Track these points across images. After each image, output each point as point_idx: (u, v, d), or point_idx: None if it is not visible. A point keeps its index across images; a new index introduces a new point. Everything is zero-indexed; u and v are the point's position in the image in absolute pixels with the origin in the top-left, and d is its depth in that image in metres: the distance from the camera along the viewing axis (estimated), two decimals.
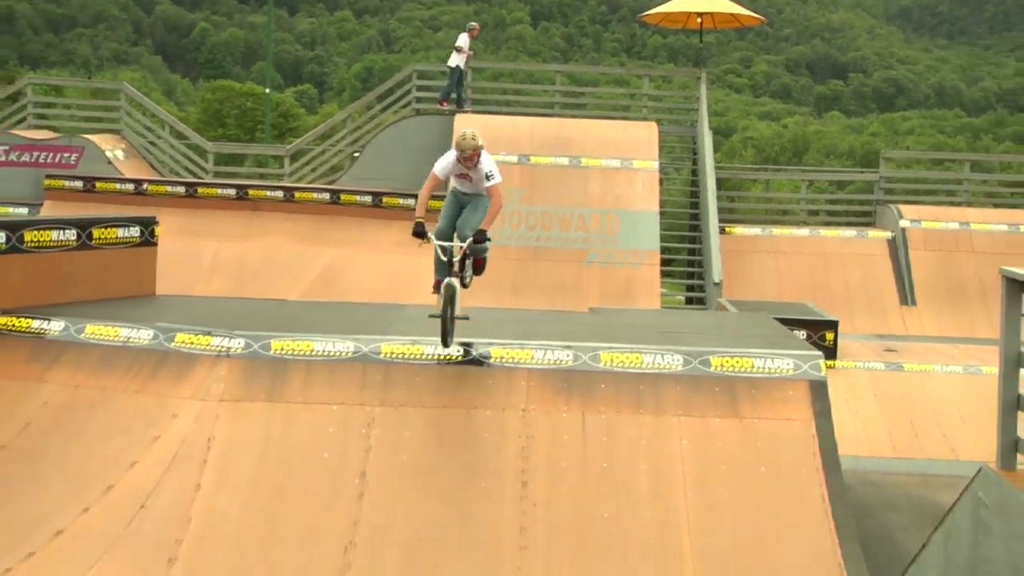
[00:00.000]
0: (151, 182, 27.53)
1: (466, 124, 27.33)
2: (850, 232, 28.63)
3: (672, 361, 12.98)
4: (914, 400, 18.14)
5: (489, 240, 12.57)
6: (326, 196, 26.97)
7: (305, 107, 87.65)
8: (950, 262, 27.05)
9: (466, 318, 12.52)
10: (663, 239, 26.34)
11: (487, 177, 12.42)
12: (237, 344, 12.97)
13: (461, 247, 12.36)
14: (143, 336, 13.40)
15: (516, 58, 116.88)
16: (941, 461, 15.62)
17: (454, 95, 29.12)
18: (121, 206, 24.80)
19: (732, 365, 12.93)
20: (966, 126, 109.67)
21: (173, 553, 10.89)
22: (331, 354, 12.92)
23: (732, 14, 31.53)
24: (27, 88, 32.55)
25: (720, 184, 28.87)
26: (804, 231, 28.77)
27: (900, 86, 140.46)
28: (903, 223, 27.87)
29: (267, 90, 54.34)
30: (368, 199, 26.71)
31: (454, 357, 12.87)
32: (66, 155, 28.67)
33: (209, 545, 11.05)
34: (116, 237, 16.05)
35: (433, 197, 12.83)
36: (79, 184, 26.96)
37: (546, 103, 31.78)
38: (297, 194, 27.08)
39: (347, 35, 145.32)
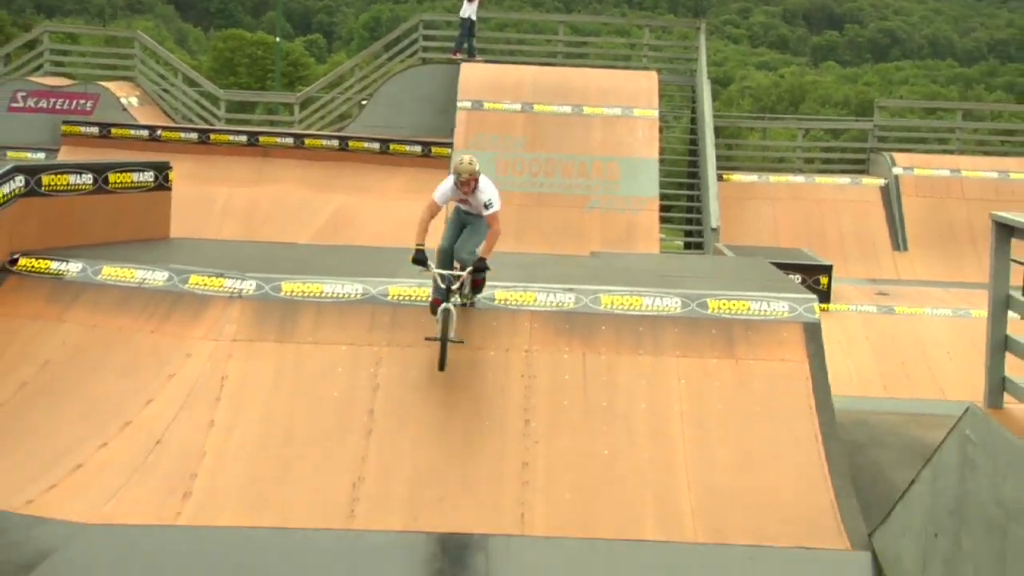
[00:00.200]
0: (165, 128, 27.46)
1: (472, 73, 27.31)
2: (844, 179, 28.58)
3: (670, 304, 12.99)
4: (905, 342, 18.17)
5: (488, 269, 12.27)
6: (335, 143, 26.91)
7: (314, 56, 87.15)
8: (941, 208, 27.04)
9: (461, 341, 12.04)
10: (662, 186, 26.30)
11: (486, 206, 12.10)
12: (249, 286, 12.98)
13: (460, 276, 12.06)
14: (158, 278, 13.41)
15: (520, 8, 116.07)
16: (930, 401, 15.65)
17: (466, 45, 28.97)
18: (136, 152, 24.76)
19: (729, 308, 12.95)
20: (959, 76, 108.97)
21: (188, 487, 10.96)
22: (340, 296, 12.94)
23: None
24: (43, 36, 32.37)
25: (718, 132, 28.77)
26: (800, 178, 28.72)
27: (895, 36, 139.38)
28: (896, 170, 27.82)
29: (277, 39, 54.11)
30: (376, 146, 26.65)
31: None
32: (82, 102, 28.57)
33: (223, 479, 11.11)
34: (131, 181, 16.02)
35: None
36: (95, 130, 26.92)
37: (549, 52, 31.62)
38: (307, 141, 27.01)
39: None
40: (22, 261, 14.06)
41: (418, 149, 26.42)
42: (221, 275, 13.18)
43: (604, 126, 26.36)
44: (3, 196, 14.11)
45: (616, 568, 10.10)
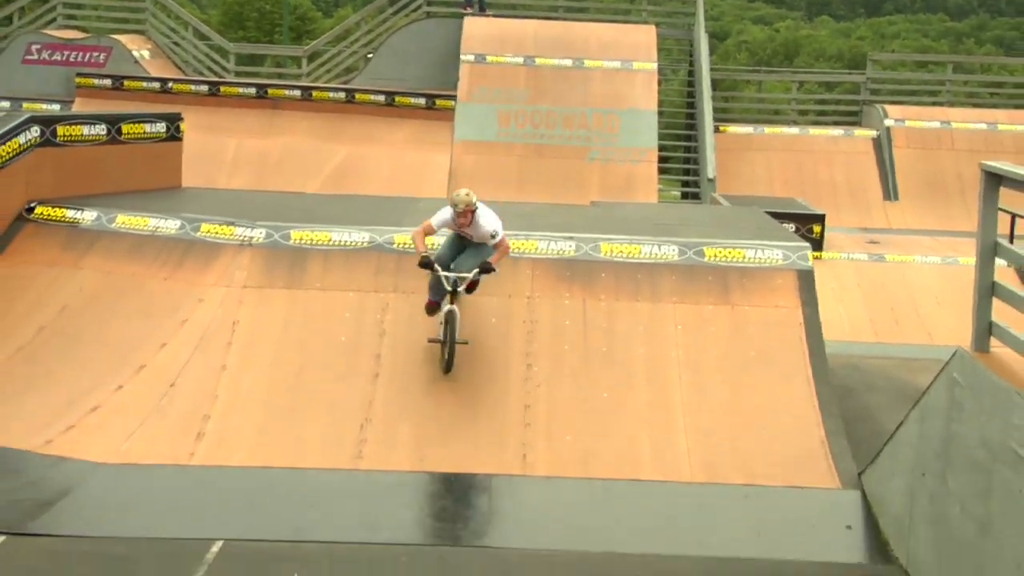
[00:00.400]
0: (176, 81, 27.33)
1: (475, 27, 27.17)
2: (837, 131, 28.47)
3: (668, 251, 12.98)
4: (895, 288, 18.17)
5: (494, 271, 11.68)
6: (341, 95, 26.80)
7: (321, 10, 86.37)
8: (931, 159, 26.96)
9: (466, 342, 11.51)
10: (661, 137, 26.24)
11: (492, 236, 11.51)
12: (259, 234, 12.97)
13: (467, 278, 11.50)
14: (170, 226, 13.40)
15: None
16: (919, 345, 15.66)
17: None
18: (147, 103, 24.64)
19: (725, 255, 12.94)
20: (949, 30, 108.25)
21: (201, 428, 11.00)
22: (347, 244, 12.93)
23: None
24: None
25: (715, 85, 28.64)
26: (794, 130, 28.61)
27: None
28: (888, 122, 27.71)
29: None
30: (381, 98, 26.54)
31: None
32: (95, 54, 28.41)
33: (235, 421, 11.15)
34: (144, 132, 15.98)
35: None
36: (108, 82, 26.80)
37: (550, 7, 31.37)
38: (314, 93, 26.91)
39: None
40: (39, 209, 14.05)
41: (422, 101, 26.29)
42: (232, 223, 13.17)
43: (604, 79, 26.24)
44: (19, 146, 14.09)
45: (614, 506, 10.16)
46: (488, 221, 11.55)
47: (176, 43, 30.77)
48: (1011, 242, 8.59)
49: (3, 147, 13.87)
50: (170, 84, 26.87)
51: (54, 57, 28.28)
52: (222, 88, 26.90)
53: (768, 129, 28.52)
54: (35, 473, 10.28)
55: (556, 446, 11.04)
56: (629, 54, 26.74)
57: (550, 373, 11.79)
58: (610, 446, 11.05)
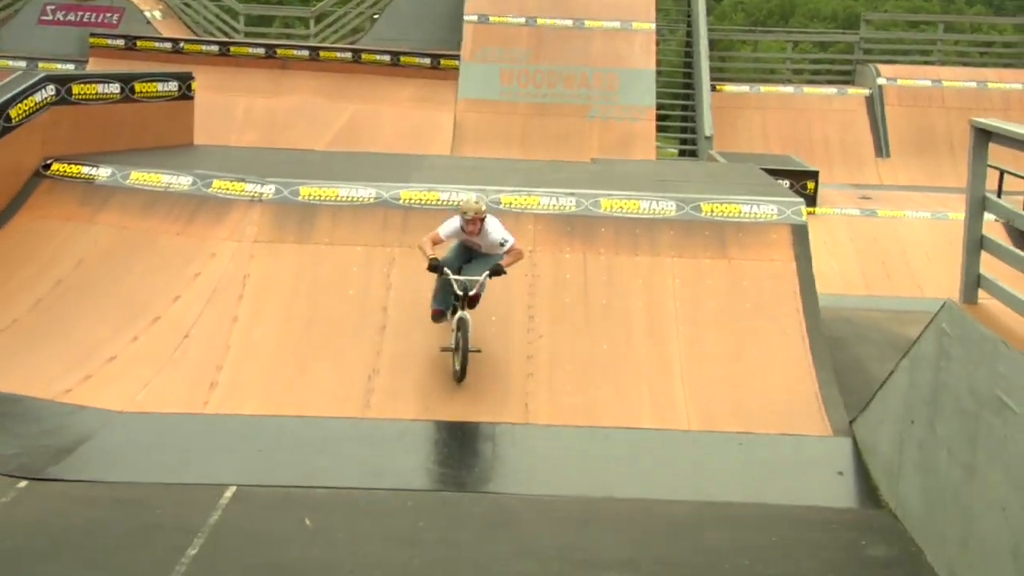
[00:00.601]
0: (187, 41, 27.17)
1: None
2: (831, 89, 28.34)
3: (666, 207, 12.96)
4: (886, 243, 18.14)
5: (505, 273, 11.14)
6: (348, 56, 26.66)
7: None
8: (922, 117, 26.86)
9: (478, 351, 10.97)
10: (659, 96, 26.11)
11: (501, 244, 11.08)
12: (269, 190, 12.95)
13: (478, 281, 10.96)
14: (183, 182, 13.38)
15: None
16: (909, 298, 15.65)
17: None
18: (159, 63, 24.52)
19: (721, 211, 12.92)
20: None
21: (214, 378, 11.03)
22: (355, 200, 12.91)
23: None
24: None
25: (712, 45, 28.48)
26: (789, 89, 28.46)
27: None
28: (880, 81, 27.57)
29: None
30: (387, 58, 26.41)
31: None
32: (108, 15, 28.22)
33: (246, 371, 11.18)
34: (156, 91, 15.93)
35: None
36: (121, 42, 26.65)
37: None
38: (322, 54, 26.77)
39: None
40: (55, 166, 14.03)
41: (427, 61, 26.17)
42: (242, 180, 13.15)
43: (604, 39, 26.08)
44: (36, 104, 14.06)
45: (614, 454, 10.19)
46: (497, 230, 11.13)
47: (187, 4, 30.55)
48: (999, 197, 8.57)
49: (20, 105, 13.84)
50: (181, 44, 26.72)
51: (68, 18, 28.10)
52: (232, 48, 26.78)
53: (764, 88, 28.38)
54: (54, 421, 10.33)
55: (557, 396, 11.06)
56: (628, 14, 26.55)
57: (551, 325, 11.80)
58: (610, 396, 11.07)
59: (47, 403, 10.65)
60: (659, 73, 26.99)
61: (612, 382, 11.23)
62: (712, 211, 12.90)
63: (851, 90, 28.14)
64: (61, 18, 28.09)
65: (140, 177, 13.61)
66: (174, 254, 12.54)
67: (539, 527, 8.71)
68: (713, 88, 26.81)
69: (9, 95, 13.77)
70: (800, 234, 12.72)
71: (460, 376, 10.90)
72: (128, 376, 11.03)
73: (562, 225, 12.77)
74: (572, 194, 13.07)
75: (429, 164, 16.09)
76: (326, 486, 9.28)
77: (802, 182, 19.02)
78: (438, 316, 11.32)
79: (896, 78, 27.76)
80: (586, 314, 11.96)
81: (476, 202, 11.01)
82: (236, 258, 12.32)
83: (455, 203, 12.78)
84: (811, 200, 18.56)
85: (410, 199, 12.86)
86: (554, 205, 12.94)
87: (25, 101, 13.92)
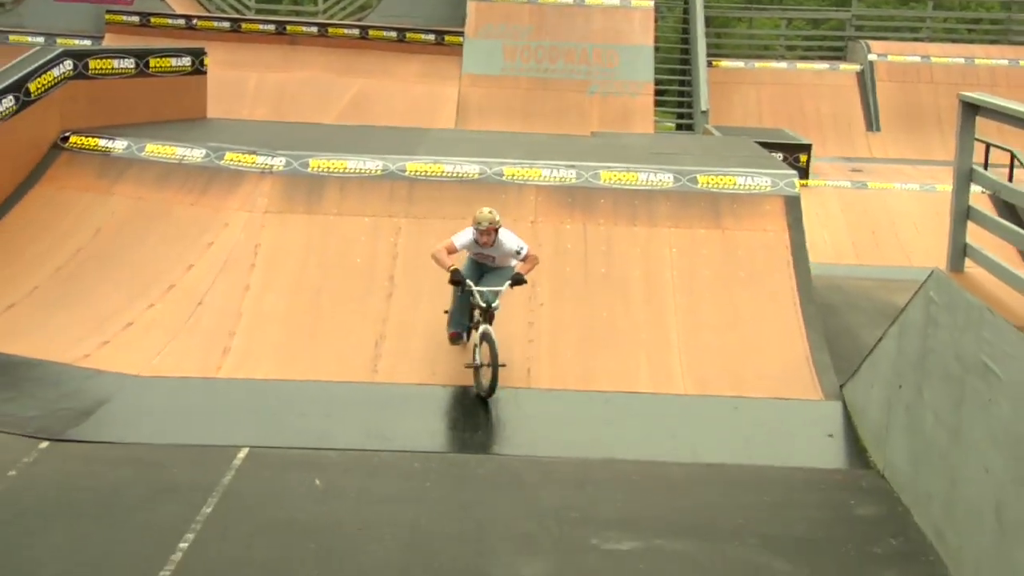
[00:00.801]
0: (200, 18, 27.05)
1: None
2: (823, 65, 28.21)
3: (664, 179, 12.94)
4: (876, 214, 18.11)
5: (525, 282, 10.69)
6: (356, 32, 26.55)
7: None
8: (912, 92, 26.75)
9: (503, 365, 10.17)
10: (657, 71, 26.02)
11: (517, 253, 10.59)
12: (279, 162, 12.92)
13: (500, 291, 10.45)
14: (196, 155, 13.36)
15: None
16: (898, 267, 15.65)
17: None
18: (173, 39, 24.42)
19: (716, 182, 12.89)
20: None
21: (227, 343, 11.05)
22: (362, 171, 12.88)
23: None
24: None
25: (708, 22, 28.35)
26: (783, 64, 28.34)
27: None
28: (871, 57, 27.45)
29: None
30: (393, 35, 26.29)
31: (471, 175, 12.83)
32: None
33: (258, 337, 11.19)
34: (170, 66, 15.89)
35: None
36: (136, 19, 26.55)
37: None
38: (330, 30, 26.67)
39: None
40: (73, 139, 14.01)
41: (432, 38, 26.06)
42: (254, 152, 13.12)
43: (604, 16, 25.96)
44: (54, 78, 14.03)
45: (612, 417, 10.22)
46: (511, 239, 10.63)
47: None
48: (985, 169, 8.55)
49: (39, 79, 13.81)
50: (194, 21, 26.62)
51: None
52: (243, 25, 26.68)
53: (758, 64, 28.25)
54: (74, 385, 10.35)
55: (558, 361, 11.08)
56: None
57: (552, 293, 11.80)
58: (608, 361, 11.08)
59: (67, 367, 10.67)
60: (657, 49, 26.88)
61: (611, 348, 11.24)
62: (708, 183, 12.88)
63: (843, 66, 28.01)
64: None
65: (155, 149, 13.59)
66: (188, 224, 12.53)
67: (540, 487, 8.74)
68: (709, 64, 26.69)
69: (28, 70, 13.75)
70: (793, 205, 12.70)
71: (489, 392, 10.19)
72: (144, 342, 11.05)
73: (563, 196, 12.75)
74: (572, 166, 13.04)
75: (434, 137, 16.05)
76: (335, 448, 9.31)
77: (795, 155, 18.99)
78: (456, 338, 10.88)
79: (886, 54, 27.64)
80: (586, 283, 11.96)
81: (490, 212, 10.48)
82: (248, 228, 12.31)
83: (459, 175, 12.78)
84: (803, 172, 18.53)
85: (416, 171, 12.84)
86: (555, 177, 12.92)
87: (44, 76, 13.89)
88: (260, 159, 13.00)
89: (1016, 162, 15.37)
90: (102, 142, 13.87)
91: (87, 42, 25.35)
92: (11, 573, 7.01)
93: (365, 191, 12.70)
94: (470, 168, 12.87)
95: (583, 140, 17.12)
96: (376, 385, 10.63)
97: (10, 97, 13.44)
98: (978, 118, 8.33)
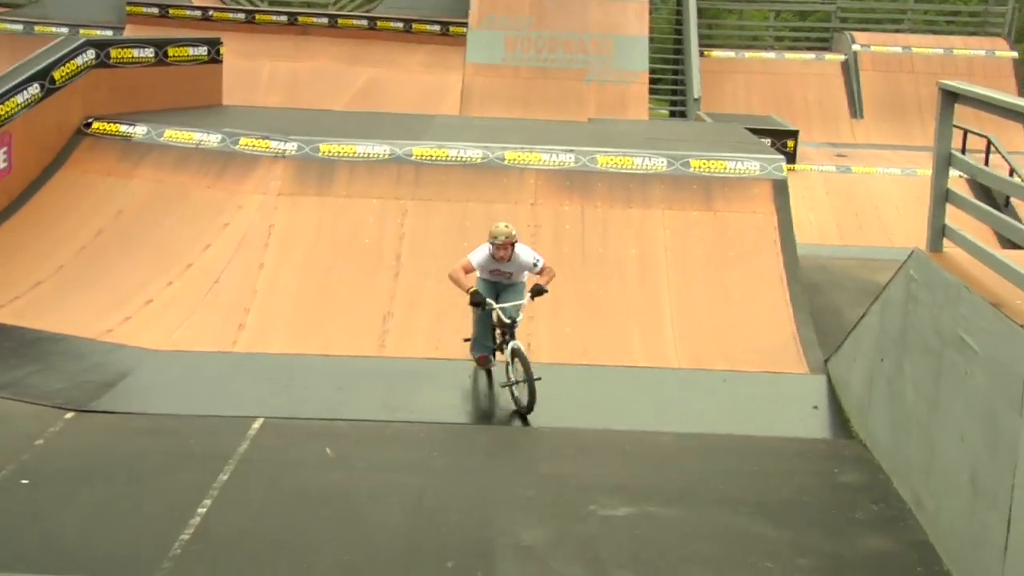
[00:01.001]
0: (216, 9, 26.96)
1: None
2: (810, 55, 28.12)
3: (658, 163, 12.92)
4: (859, 197, 18.09)
5: (546, 292, 9.90)
6: (364, 23, 26.49)
7: None
8: (894, 81, 26.68)
9: (539, 378, 9.42)
10: (651, 61, 25.92)
11: (535, 265, 9.89)
12: (291, 147, 12.90)
13: (522, 304, 9.87)
14: (213, 140, 13.34)
15: None
16: (880, 247, 15.63)
17: None
18: (190, 30, 24.32)
19: (708, 167, 12.87)
20: None
21: (243, 320, 11.05)
22: (371, 156, 12.86)
23: None
24: None
25: (700, 13, 28.23)
26: (771, 55, 28.25)
27: None
28: (855, 47, 27.37)
29: None
30: (400, 25, 26.24)
31: (475, 159, 12.81)
32: None
33: (272, 314, 11.20)
34: (187, 55, 15.86)
35: None
36: (155, 10, 26.47)
37: None
38: (339, 21, 26.61)
39: None
40: (95, 124, 13.99)
41: (437, 28, 26.00)
42: (267, 137, 13.10)
43: (600, 7, 25.86)
44: (77, 67, 14.01)
45: (609, 388, 10.22)
46: (527, 252, 9.96)
47: None
48: (963, 153, 8.53)
49: (63, 68, 13.79)
50: (211, 12, 26.54)
51: None
52: (257, 16, 26.64)
53: (748, 54, 28.17)
54: (97, 358, 10.36)
55: (557, 336, 11.08)
56: None
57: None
58: (605, 337, 11.09)
59: (90, 342, 10.68)
60: (651, 39, 26.79)
61: (608, 324, 11.24)
62: (700, 167, 12.86)
63: (828, 56, 27.92)
64: None
65: (174, 135, 13.57)
66: (205, 206, 12.52)
67: (540, 456, 8.76)
68: (701, 54, 26.63)
69: (53, 59, 13.73)
70: (780, 188, 12.68)
71: (529, 408, 9.46)
72: (164, 318, 11.06)
73: (561, 180, 12.73)
74: (571, 151, 13.02)
75: (439, 123, 16.02)
76: (346, 418, 9.31)
77: (783, 141, 18.96)
78: (485, 361, 10.27)
79: (870, 45, 27.55)
80: (583, 262, 11.95)
81: (506, 227, 9.80)
82: (262, 210, 12.30)
83: (463, 159, 12.76)
84: (791, 157, 18.50)
85: (421, 155, 12.82)
86: (554, 161, 12.89)
87: (68, 64, 13.86)
88: (273, 144, 12.98)
89: (992, 147, 15.37)
90: (123, 128, 13.85)
91: (109, 32, 25.30)
92: (39, 536, 7.03)
93: (373, 174, 12.69)
94: (473, 153, 12.84)
95: (581, 126, 17.08)
96: (384, 359, 10.64)
97: (36, 85, 13.41)
98: (956, 105, 8.29)
